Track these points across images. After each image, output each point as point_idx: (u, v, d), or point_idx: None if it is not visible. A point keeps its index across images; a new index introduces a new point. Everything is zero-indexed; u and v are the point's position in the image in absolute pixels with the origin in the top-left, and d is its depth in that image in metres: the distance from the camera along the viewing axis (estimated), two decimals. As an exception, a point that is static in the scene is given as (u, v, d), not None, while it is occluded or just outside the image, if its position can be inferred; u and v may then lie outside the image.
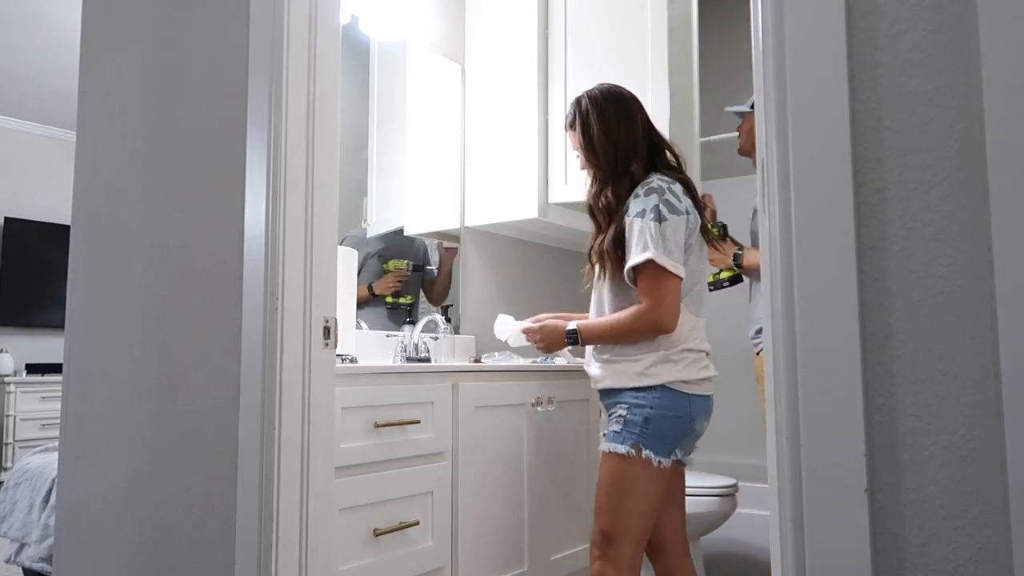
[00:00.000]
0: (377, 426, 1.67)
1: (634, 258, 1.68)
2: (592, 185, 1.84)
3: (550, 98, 2.66)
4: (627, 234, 1.71)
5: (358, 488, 1.63)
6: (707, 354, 1.81)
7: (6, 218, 5.41)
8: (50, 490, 2.42)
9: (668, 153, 1.84)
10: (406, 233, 2.67)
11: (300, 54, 1.47)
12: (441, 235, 2.80)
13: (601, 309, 1.82)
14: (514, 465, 2.14)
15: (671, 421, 1.69)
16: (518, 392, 2.17)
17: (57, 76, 5.02)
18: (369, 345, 2.38)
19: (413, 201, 2.67)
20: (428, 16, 2.71)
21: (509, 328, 1.95)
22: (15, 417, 5.04)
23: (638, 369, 1.71)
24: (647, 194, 1.71)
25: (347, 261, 2.14)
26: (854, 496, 0.92)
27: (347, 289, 2.09)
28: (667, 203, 1.69)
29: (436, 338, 2.58)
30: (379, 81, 2.63)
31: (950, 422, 0.89)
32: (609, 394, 1.78)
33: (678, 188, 1.75)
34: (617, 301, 1.76)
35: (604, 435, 1.78)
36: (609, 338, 1.76)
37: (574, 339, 1.83)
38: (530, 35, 2.64)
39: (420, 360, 2.33)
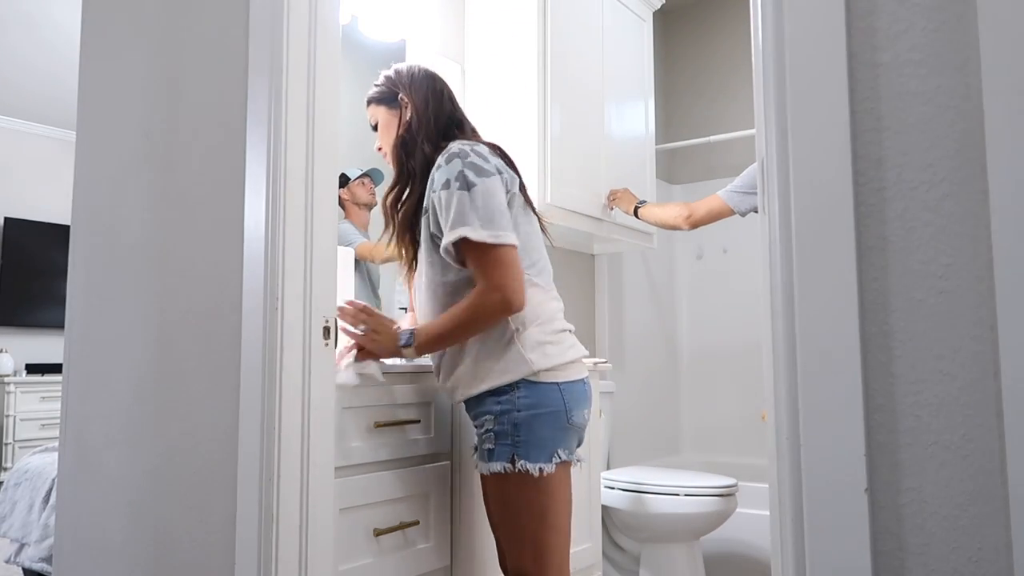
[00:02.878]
0: (377, 426, 1.67)
1: (447, 235, 1.52)
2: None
3: (550, 98, 2.66)
4: (437, 209, 1.56)
5: (358, 488, 1.63)
6: (571, 332, 1.62)
7: (6, 218, 5.41)
8: (50, 490, 2.42)
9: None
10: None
11: (300, 54, 1.47)
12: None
13: (434, 293, 1.62)
14: (514, 465, 2.13)
15: (544, 420, 1.51)
16: (518, 392, 2.16)
17: (57, 76, 5.02)
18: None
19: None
20: (428, 16, 2.71)
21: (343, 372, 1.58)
22: (15, 417, 5.04)
23: (495, 366, 1.53)
24: (448, 161, 1.56)
25: (347, 261, 2.13)
26: (854, 496, 0.92)
27: (346, 289, 2.09)
28: (472, 166, 1.53)
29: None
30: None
31: (950, 422, 0.89)
32: (471, 404, 1.61)
33: (483, 148, 1.60)
34: (447, 278, 1.59)
35: (475, 452, 1.64)
36: (456, 332, 1.54)
37: (408, 341, 1.57)
38: (530, 35, 2.64)
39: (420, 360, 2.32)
